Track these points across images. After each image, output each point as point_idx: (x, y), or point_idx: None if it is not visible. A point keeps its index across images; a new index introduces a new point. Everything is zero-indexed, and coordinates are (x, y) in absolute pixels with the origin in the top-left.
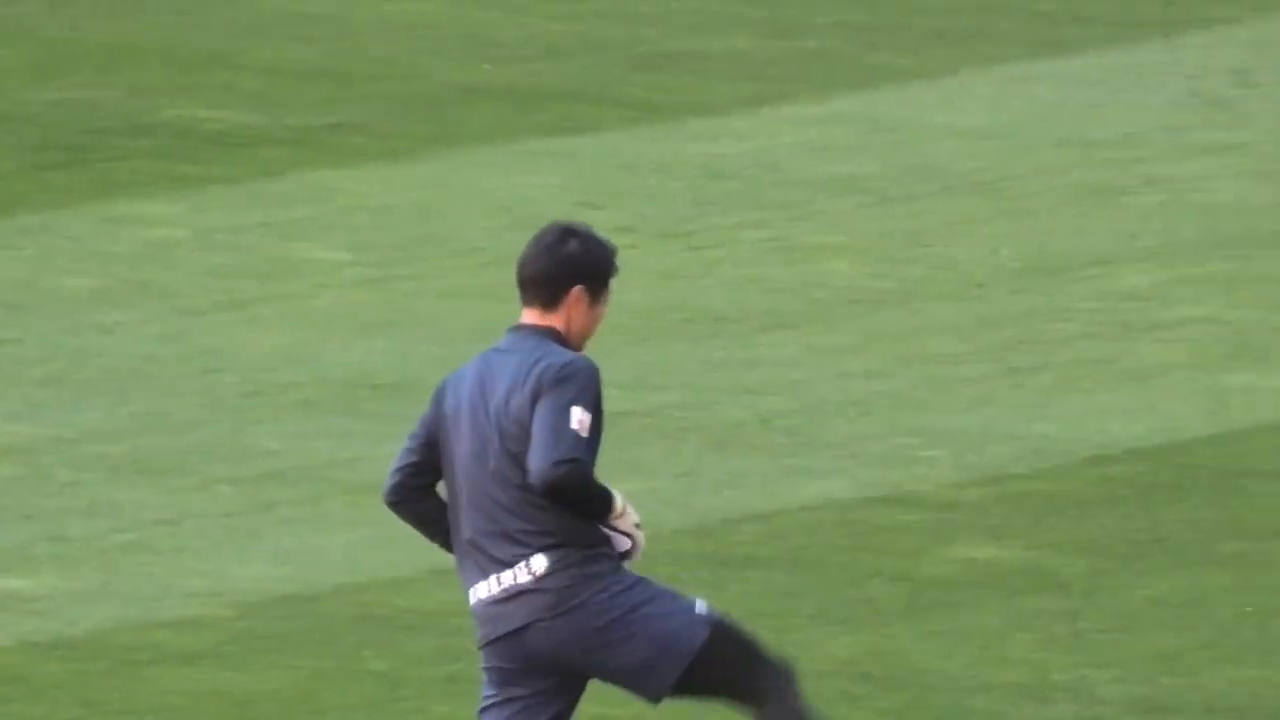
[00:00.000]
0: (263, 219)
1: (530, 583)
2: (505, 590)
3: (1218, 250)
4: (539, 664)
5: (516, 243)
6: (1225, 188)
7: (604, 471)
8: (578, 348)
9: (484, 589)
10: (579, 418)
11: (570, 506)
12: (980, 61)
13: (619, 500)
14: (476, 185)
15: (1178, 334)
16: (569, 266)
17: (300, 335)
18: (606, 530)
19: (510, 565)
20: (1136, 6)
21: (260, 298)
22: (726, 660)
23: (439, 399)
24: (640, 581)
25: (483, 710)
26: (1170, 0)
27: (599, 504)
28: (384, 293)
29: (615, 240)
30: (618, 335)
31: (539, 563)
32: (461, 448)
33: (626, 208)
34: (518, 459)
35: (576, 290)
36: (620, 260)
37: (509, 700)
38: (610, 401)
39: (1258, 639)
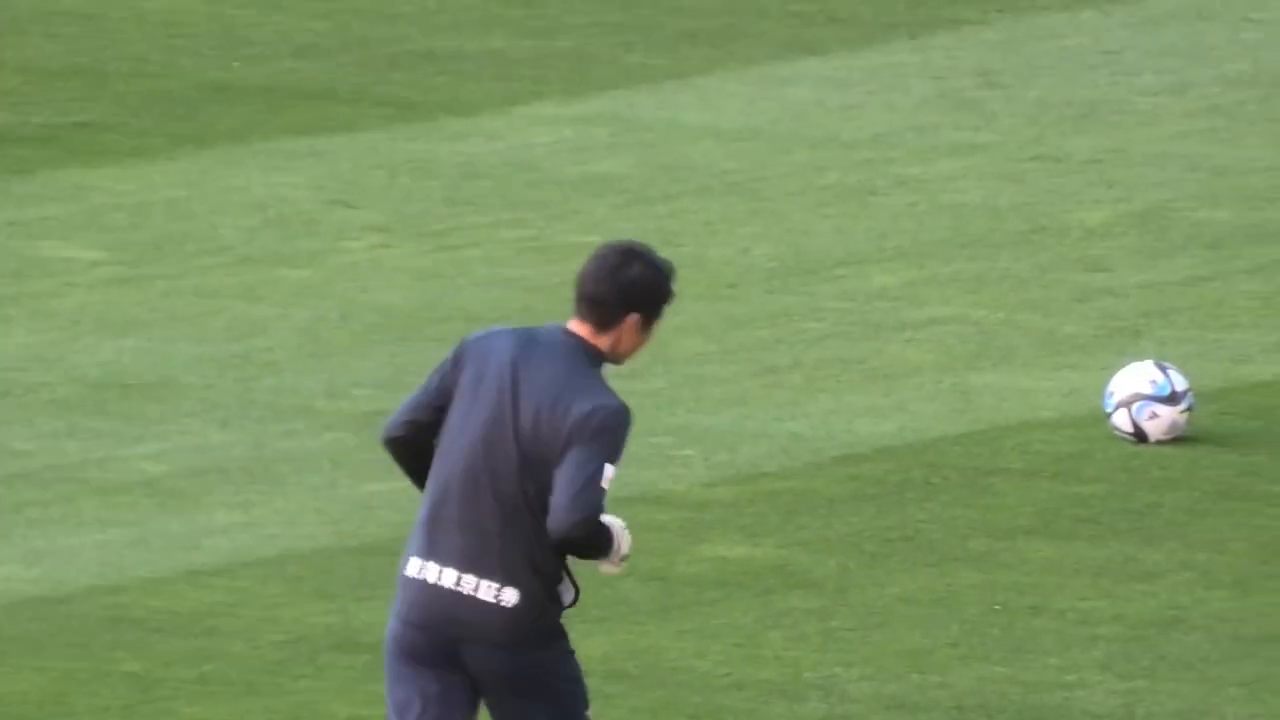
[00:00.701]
0: (11, 218)
1: (493, 605)
2: (463, 594)
3: (965, 250)
4: (456, 662)
5: (270, 241)
6: (972, 188)
7: (355, 471)
8: (617, 363)
9: (436, 573)
10: (609, 475)
11: (575, 553)
12: (736, 62)
13: (617, 537)
14: (230, 184)
15: (926, 334)
16: (630, 294)
17: (50, 335)
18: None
19: (480, 576)
20: (887, 7)
21: (9, 297)
22: None
23: (459, 362)
24: (573, 653)
25: (395, 681)
26: (919, 1)
27: (602, 549)
28: (137, 292)
29: (368, 239)
30: (373, 334)
31: (509, 595)
32: (473, 429)
33: (381, 207)
34: (525, 491)
35: (633, 318)
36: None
37: (413, 678)
38: (364, 401)
39: (1005, 636)
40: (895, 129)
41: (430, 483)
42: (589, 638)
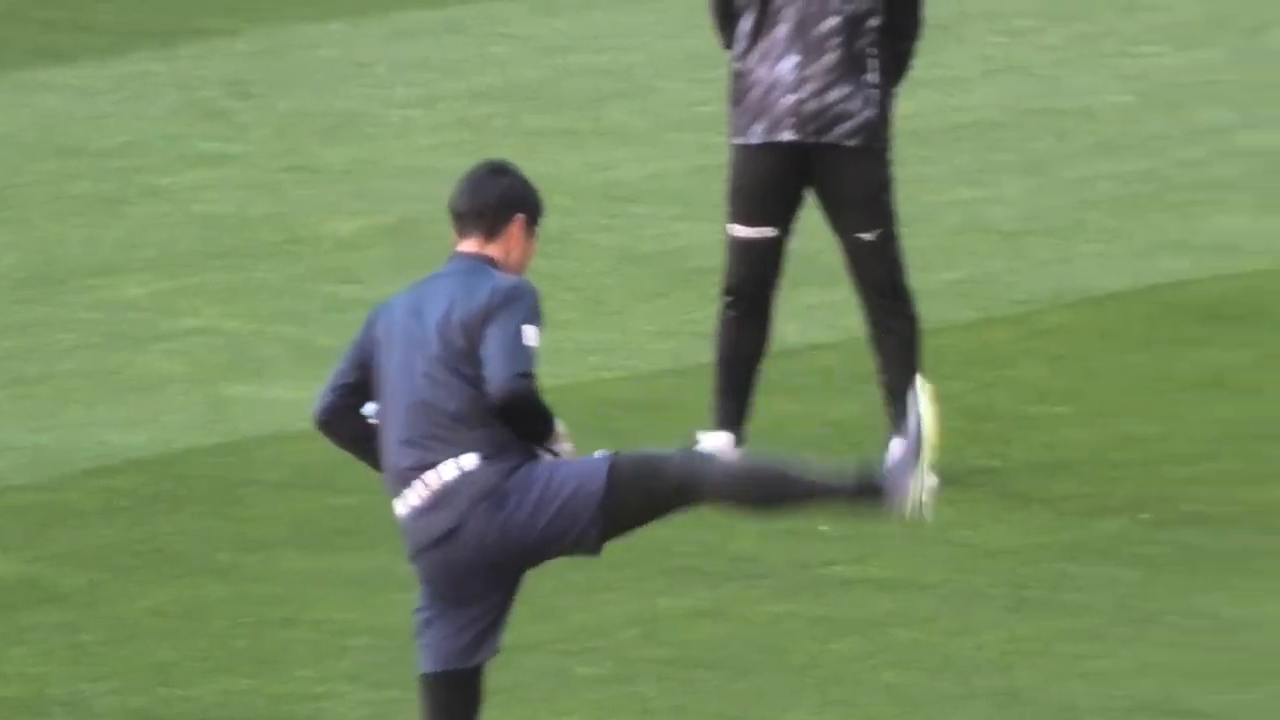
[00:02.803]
0: None
1: (458, 478)
2: (434, 493)
3: (217, 261)
4: (470, 571)
5: None
6: (224, 199)
7: None
8: (516, 273)
9: (414, 495)
10: (531, 334)
11: (521, 421)
12: None
13: (559, 423)
14: None
15: (179, 345)
16: (510, 196)
17: None
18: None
19: (439, 465)
20: (134, 16)
21: None
22: (635, 478)
23: (370, 324)
24: (547, 461)
25: (424, 623)
26: (168, 10)
27: (545, 423)
28: None
29: None
30: None
31: (469, 460)
32: (394, 365)
33: None
34: (459, 371)
35: (519, 219)
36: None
37: (443, 616)
38: None
39: (254, 649)
40: (145, 138)
41: (380, 439)
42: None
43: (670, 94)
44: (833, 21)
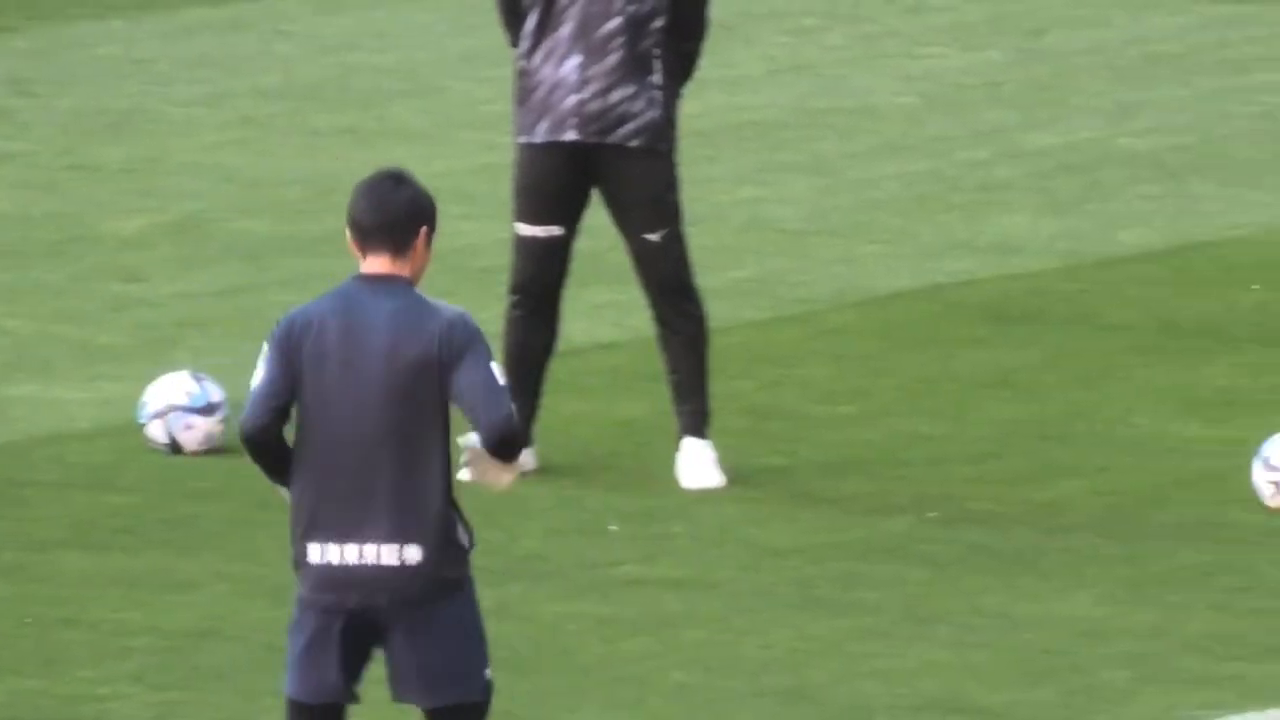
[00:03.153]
0: None
1: (395, 568)
2: (364, 565)
3: None
4: (363, 631)
5: None
6: (4, 197)
7: None
8: (414, 284)
9: (336, 553)
10: (499, 372)
11: (506, 454)
12: None
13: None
14: None
15: None
16: (415, 209)
17: None
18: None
19: (377, 542)
20: None
21: None
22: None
23: (293, 338)
24: (476, 603)
25: (308, 645)
26: None
27: (520, 447)
28: None
29: None
30: None
31: (412, 553)
32: (329, 394)
33: None
34: (407, 415)
35: (424, 232)
36: None
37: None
38: None
39: (38, 649)
40: None
41: (303, 467)
42: None
43: (455, 93)
44: (616, 22)
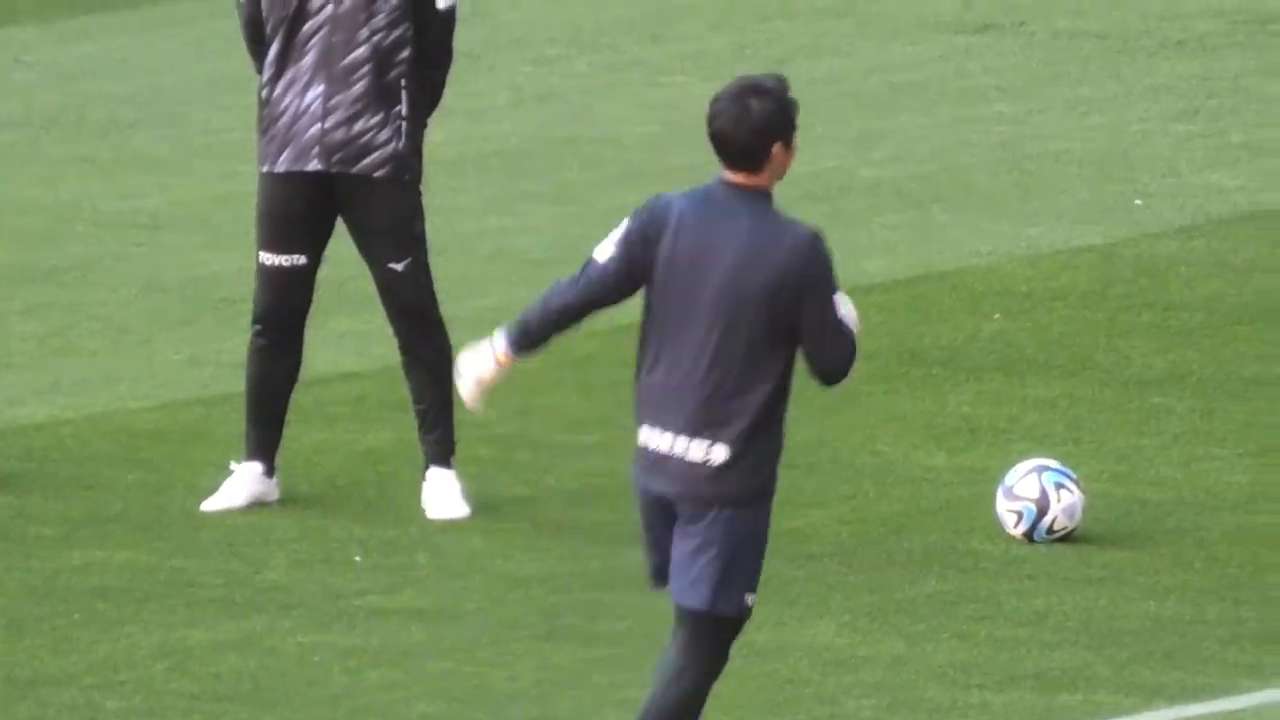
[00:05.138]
0: None
1: (707, 470)
2: (681, 461)
3: None
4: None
5: None
6: None
7: None
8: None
9: (657, 441)
10: (844, 307)
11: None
12: None
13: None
14: None
15: None
16: (765, 128)
17: None
18: None
19: (692, 437)
20: None
21: None
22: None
23: (654, 229)
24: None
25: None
26: None
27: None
28: None
29: None
30: None
31: (719, 452)
32: (673, 303)
33: None
34: (745, 343)
35: (777, 148)
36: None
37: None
38: None
39: None
40: None
41: (642, 353)
42: None
43: (196, 121)
44: (361, 52)
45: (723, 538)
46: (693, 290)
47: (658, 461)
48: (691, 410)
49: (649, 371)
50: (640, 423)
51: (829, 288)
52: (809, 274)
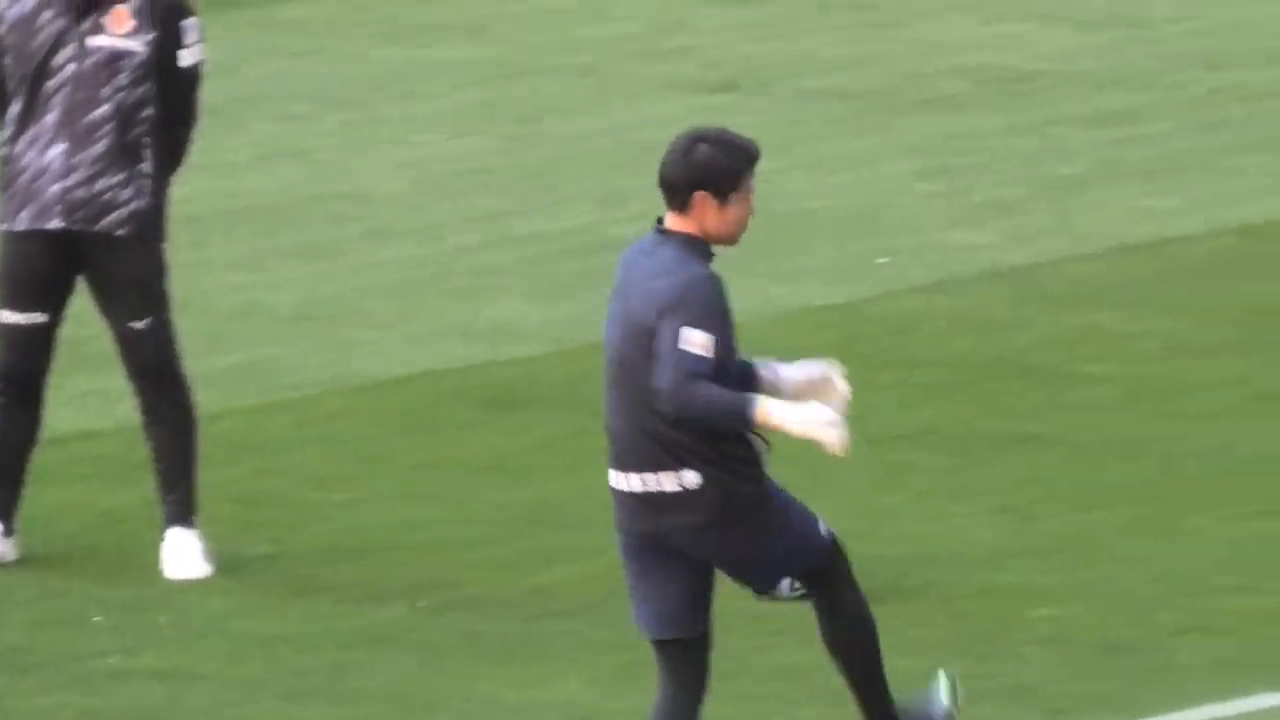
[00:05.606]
0: None
1: (678, 493)
2: (650, 494)
3: None
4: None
5: None
6: None
7: None
8: (725, 242)
9: (623, 481)
10: (691, 338)
11: (695, 425)
12: None
13: (755, 408)
14: None
15: None
16: (693, 174)
17: None
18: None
19: (656, 471)
20: None
21: None
22: None
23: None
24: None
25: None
26: None
27: (725, 418)
28: None
29: None
30: None
31: (690, 478)
32: (609, 346)
33: None
34: (640, 372)
35: (699, 196)
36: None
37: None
38: None
39: None
40: None
41: (604, 396)
42: None
43: None
44: (103, 110)
45: (739, 547)
46: (611, 330)
47: (639, 501)
48: (645, 446)
49: (606, 416)
50: (609, 467)
51: (688, 318)
52: (674, 299)
